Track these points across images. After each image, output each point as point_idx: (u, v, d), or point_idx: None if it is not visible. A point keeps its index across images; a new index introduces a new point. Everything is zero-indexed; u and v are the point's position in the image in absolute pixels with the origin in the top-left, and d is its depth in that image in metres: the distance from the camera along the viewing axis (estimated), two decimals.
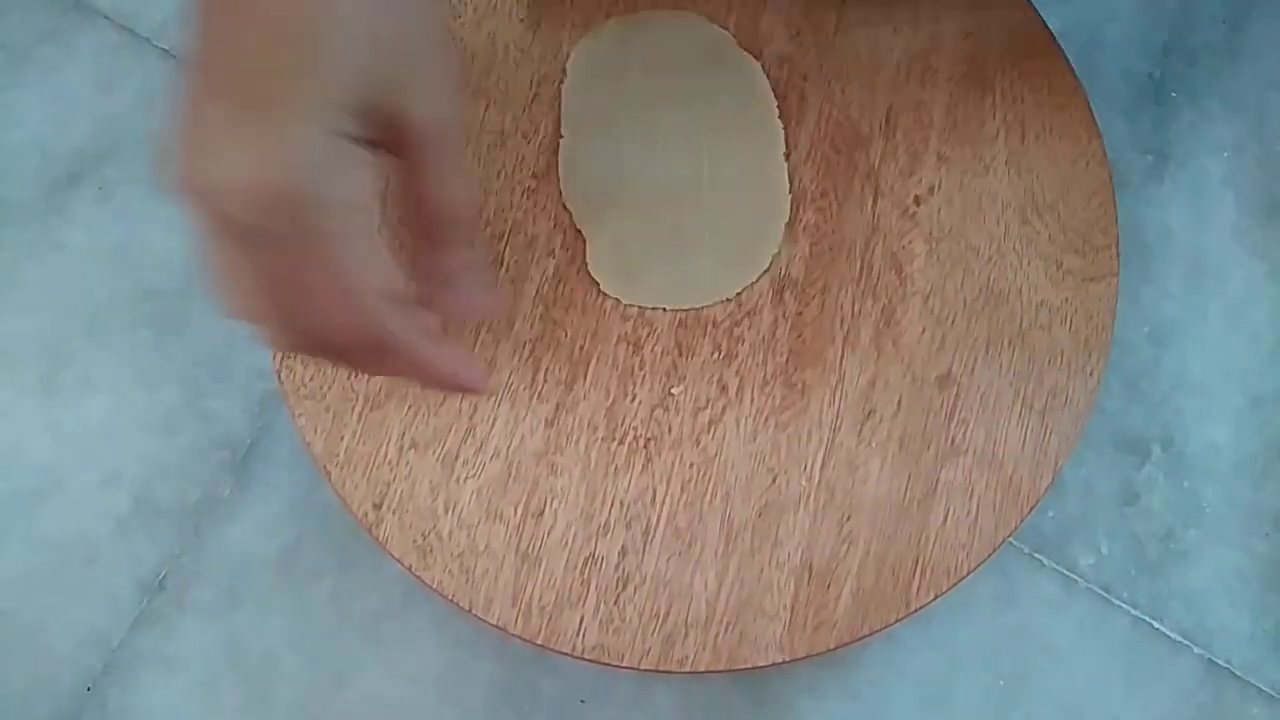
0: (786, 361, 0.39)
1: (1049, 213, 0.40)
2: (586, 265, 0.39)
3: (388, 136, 0.29)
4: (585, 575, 0.36)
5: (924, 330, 0.39)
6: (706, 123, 0.40)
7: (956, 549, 0.37)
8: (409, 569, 0.36)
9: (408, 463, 0.37)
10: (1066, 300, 0.39)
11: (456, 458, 0.37)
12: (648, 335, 0.39)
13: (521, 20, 0.42)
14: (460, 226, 0.31)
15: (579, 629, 0.36)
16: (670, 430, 0.38)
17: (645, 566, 0.37)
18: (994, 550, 0.37)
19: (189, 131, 0.26)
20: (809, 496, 0.37)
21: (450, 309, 0.32)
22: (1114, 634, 0.39)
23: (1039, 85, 0.41)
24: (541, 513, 0.37)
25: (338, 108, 0.27)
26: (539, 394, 0.38)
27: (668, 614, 0.36)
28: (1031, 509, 0.37)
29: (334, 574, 0.41)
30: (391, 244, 0.30)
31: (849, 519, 0.37)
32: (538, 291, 0.39)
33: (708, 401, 0.38)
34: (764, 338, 0.39)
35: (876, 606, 0.36)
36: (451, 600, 0.36)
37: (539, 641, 0.36)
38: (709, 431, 0.38)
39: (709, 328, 0.39)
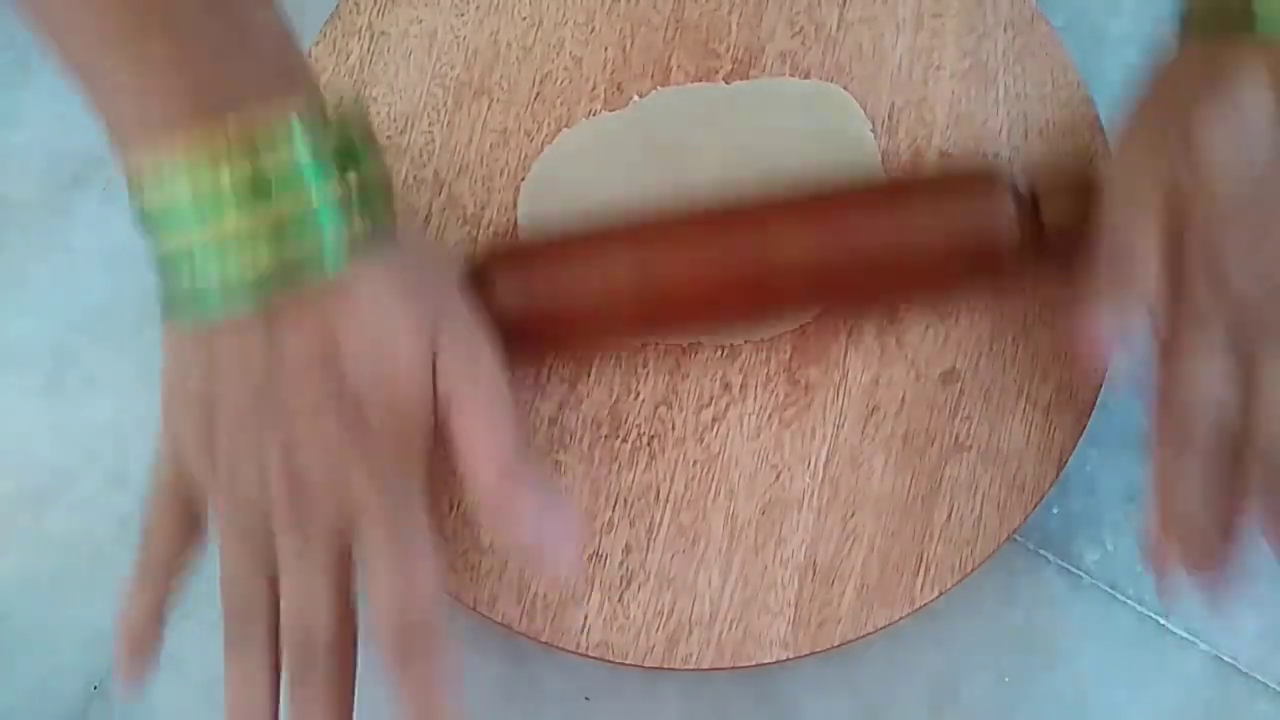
0: (790, 358, 0.39)
1: None
2: None
3: None
4: (589, 572, 0.36)
5: (927, 327, 0.39)
6: None
7: (961, 545, 0.37)
8: None
9: None
10: (1069, 298, 0.39)
11: None
12: None
13: (524, 18, 0.42)
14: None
15: (583, 626, 0.36)
16: (674, 427, 0.38)
17: (649, 564, 0.37)
18: (998, 547, 0.37)
19: None
20: (813, 493, 0.37)
21: (516, 542, 0.32)
22: (1120, 630, 0.39)
23: (1042, 81, 0.41)
24: None
25: None
26: (542, 392, 0.38)
27: (671, 611, 0.36)
28: (1036, 505, 0.37)
29: None
30: None
31: (853, 516, 0.37)
32: None
33: (711, 399, 0.38)
34: (767, 336, 0.39)
35: (881, 603, 0.36)
36: (455, 597, 0.36)
37: (543, 639, 0.36)
38: (712, 429, 0.38)
39: None
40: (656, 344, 0.39)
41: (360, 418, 0.30)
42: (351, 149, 0.30)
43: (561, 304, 0.36)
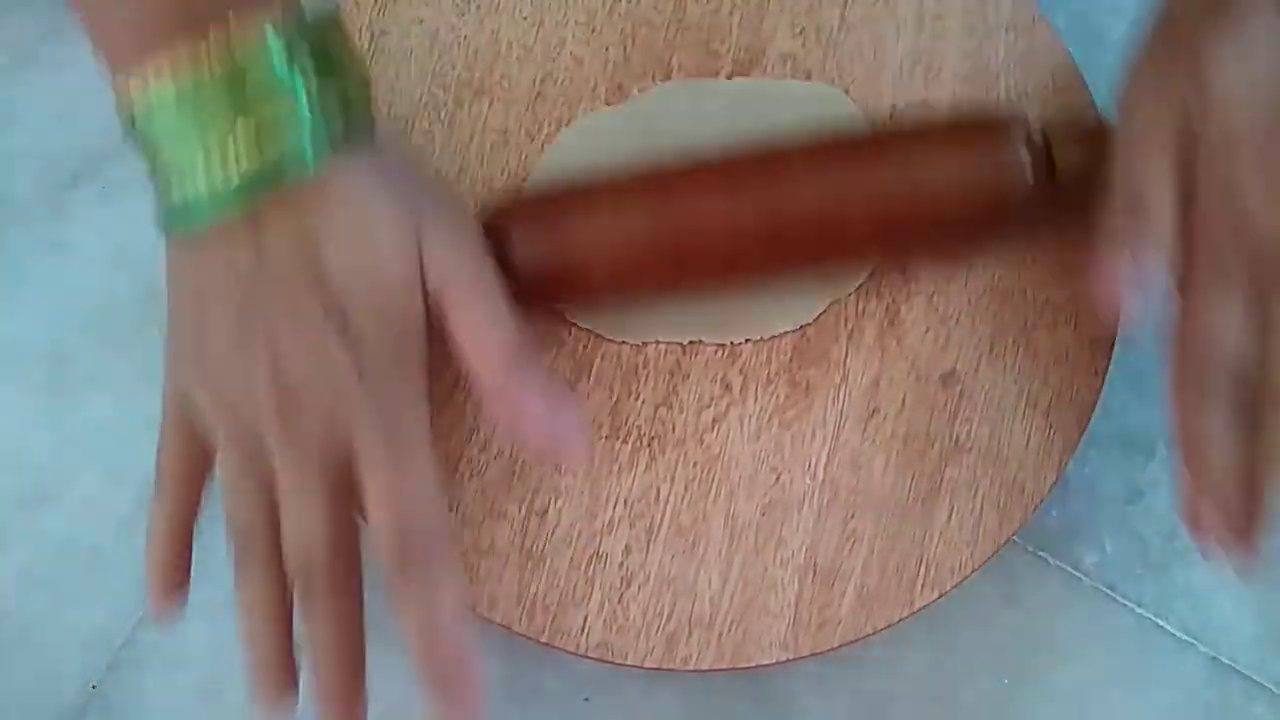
0: (790, 359, 0.39)
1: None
2: None
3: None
4: (589, 573, 0.36)
5: (928, 329, 0.39)
6: None
7: (960, 547, 0.37)
8: None
9: None
10: (1071, 299, 0.39)
11: (460, 456, 0.37)
12: None
13: (525, 18, 0.42)
14: (503, 370, 0.32)
15: (583, 627, 0.36)
16: (674, 428, 0.38)
17: (649, 565, 0.37)
18: (998, 549, 0.37)
19: None
20: (813, 495, 0.37)
21: (526, 442, 0.32)
22: (1118, 632, 0.39)
23: (1043, 83, 0.41)
24: (545, 511, 0.37)
25: None
26: None
27: (671, 612, 0.36)
28: (1036, 507, 0.37)
29: None
30: None
31: (853, 517, 0.37)
32: None
33: (711, 400, 0.38)
34: (767, 335, 0.39)
35: (880, 605, 0.36)
36: None
37: (543, 640, 0.36)
38: (713, 430, 0.38)
39: None
40: (658, 343, 0.39)
41: (346, 321, 0.30)
42: (328, 55, 0.31)
43: (578, 255, 0.36)
